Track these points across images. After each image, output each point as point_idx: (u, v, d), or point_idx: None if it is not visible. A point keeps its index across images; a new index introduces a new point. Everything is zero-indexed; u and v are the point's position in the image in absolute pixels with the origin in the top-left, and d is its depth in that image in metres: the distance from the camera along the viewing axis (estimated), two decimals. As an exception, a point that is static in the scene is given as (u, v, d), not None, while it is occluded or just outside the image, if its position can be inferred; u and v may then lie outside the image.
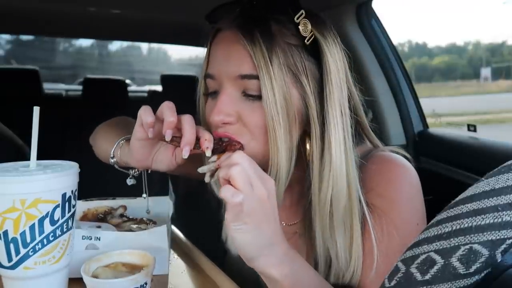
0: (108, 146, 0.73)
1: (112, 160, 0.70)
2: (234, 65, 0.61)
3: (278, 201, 0.61)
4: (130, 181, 0.71)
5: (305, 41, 0.61)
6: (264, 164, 0.62)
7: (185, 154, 0.58)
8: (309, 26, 0.62)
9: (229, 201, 0.50)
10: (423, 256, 0.35)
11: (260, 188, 0.53)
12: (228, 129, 0.62)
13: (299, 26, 0.61)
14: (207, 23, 0.69)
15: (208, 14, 0.67)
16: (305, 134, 0.65)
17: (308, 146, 0.64)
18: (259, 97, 0.60)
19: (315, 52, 0.63)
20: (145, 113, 0.59)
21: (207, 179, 0.60)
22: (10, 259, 0.54)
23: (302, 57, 0.62)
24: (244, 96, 0.62)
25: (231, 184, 0.51)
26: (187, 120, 0.59)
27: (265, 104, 0.59)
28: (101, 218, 0.80)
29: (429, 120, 1.56)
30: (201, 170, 0.60)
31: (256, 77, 0.59)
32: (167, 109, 0.58)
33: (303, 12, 0.62)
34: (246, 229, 0.52)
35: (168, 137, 0.57)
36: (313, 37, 0.62)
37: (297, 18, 0.61)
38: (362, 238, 0.65)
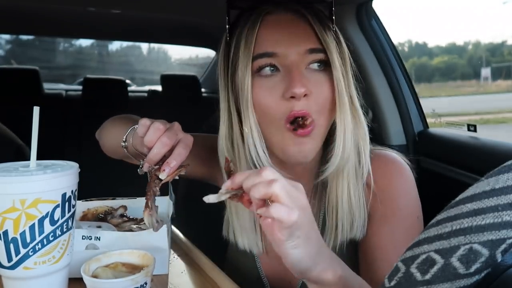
0: (117, 134, 0.73)
1: (123, 144, 0.71)
2: (300, 41, 0.66)
3: None
4: (141, 171, 0.71)
5: (332, 25, 0.70)
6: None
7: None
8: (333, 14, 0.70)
9: (286, 220, 0.46)
10: (423, 256, 0.35)
11: (299, 197, 0.49)
12: (303, 105, 0.64)
13: (332, 10, 0.69)
14: (207, 23, 0.70)
15: None
16: None
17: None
18: (324, 70, 0.67)
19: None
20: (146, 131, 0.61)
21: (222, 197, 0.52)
22: (10, 259, 0.54)
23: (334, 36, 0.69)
24: (311, 69, 0.67)
25: (272, 201, 0.47)
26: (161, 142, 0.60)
27: (335, 72, 0.65)
28: (101, 218, 0.80)
29: (429, 120, 1.56)
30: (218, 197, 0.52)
31: (322, 50, 0.66)
32: (160, 144, 0.60)
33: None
34: (299, 243, 0.48)
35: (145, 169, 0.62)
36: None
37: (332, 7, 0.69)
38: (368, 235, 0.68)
